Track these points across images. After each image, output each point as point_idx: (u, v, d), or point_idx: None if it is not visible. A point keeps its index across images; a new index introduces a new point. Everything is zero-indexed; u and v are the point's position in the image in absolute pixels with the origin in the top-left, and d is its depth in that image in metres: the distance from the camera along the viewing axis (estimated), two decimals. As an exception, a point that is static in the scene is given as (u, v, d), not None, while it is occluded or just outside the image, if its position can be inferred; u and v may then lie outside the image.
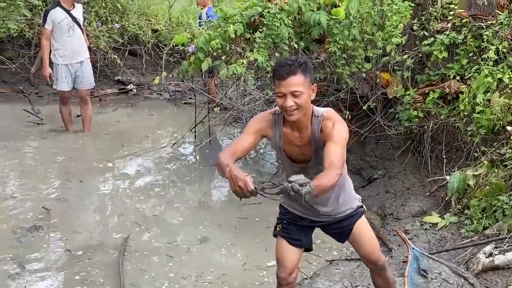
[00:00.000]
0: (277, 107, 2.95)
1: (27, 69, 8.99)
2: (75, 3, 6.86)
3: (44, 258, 4.37)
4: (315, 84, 2.88)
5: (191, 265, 4.30)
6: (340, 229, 3.20)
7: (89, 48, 7.36)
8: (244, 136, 2.94)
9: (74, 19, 6.79)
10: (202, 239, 4.72)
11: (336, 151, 2.75)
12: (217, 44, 5.55)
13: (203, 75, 7.83)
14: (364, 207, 3.25)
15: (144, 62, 9.95)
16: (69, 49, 6.83)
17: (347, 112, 5.60)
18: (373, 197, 5.48)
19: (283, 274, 3.14)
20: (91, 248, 4.53)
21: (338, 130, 2.82)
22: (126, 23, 9.55)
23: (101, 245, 4.58)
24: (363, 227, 3.19)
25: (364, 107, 5.66)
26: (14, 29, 8.51)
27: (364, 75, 5.71)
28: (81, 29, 6.96)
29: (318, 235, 4.66)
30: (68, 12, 6.73)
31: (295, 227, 3.20)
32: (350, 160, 6.08)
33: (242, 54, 5.66)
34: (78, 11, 6.88)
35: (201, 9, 8.39)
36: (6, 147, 6.62)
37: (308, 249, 3.32)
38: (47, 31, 6.73)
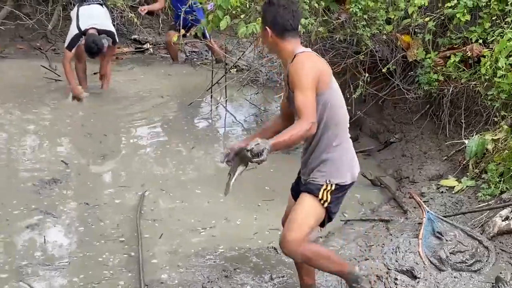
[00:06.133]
0: None
1: (44, 26, 8.97)
2: None
3: (61, 211, 4.44)
4: (266, 27, 2.92)
5: (208, 220, 4.37)
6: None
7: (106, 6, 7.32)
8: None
9: None
10: (216, 197, 4.73)
11: (299, 98, 2.75)
12: (236, 1, 5.48)
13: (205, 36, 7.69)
14: (327, 199, 2.94)
15: (160, 21, 9.88)
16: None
17: (366, 75, 5.55)
18: (390, 161, 5.48)
19: (282, 220, 3.25)
20: (108, 202, 4.60)
21: (301, 74, 2.78)
22: (145, -20, 9.47)
23: (118, 200, 4.64)
24: (305, 202, 2.99)
25: (383, 70, 5.60)
26: (32, -16, 8.48)
27: (384, 37, 5.63)
28: None
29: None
30: None
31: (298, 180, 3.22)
32: (367, 123, 6.07)
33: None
34: None
35: None
36: (24, 103, 6.66)
37: None
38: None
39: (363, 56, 5.68)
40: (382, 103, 6.00)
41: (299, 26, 3.09)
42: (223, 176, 5.11)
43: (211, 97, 7.10)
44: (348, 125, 3.07)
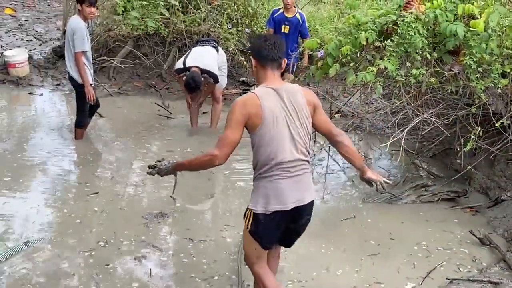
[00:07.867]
0: None
1: (160, 65, 9.50)
2: None
3: (166, 245, 4.61)
4: (251, 57, 3.37)
5: (308, 269, 4.35)
6: None
7: (216, 49, 7.56)
8: None
9: None
10: (318, 247, 4.72)
11: (223, 132, 3.27)
12: (347, 50, 5.54)
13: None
14: (248, 222, 3.33)
15: (268, 66, 10.12)
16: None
17: (478, 128, 5.37)
18: (500, 219, 5.20)
19: None
20: (211, 239, 4.71)
21: (229, 113, 3.27)
22: (255, 27, 9.80)
23: (220, 237, 4.75)
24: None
25: (496, 124, 5.41)
26: (152, 26, 9.02)
27: (499, 90, 5.45)
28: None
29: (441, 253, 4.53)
30: None
31: None
32: (477, 178, 5.84)
33: (372, 61, 5.61)
34: None
35: None
36: (137, 137, 7.05)
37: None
38: None
39: (475, 109, 5.52)
40: (494, 158, 5.76)
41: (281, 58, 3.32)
42: (325, 225, 5.15)
43: (314, 142, 7.13)
44: (273, 166, 3.24)
